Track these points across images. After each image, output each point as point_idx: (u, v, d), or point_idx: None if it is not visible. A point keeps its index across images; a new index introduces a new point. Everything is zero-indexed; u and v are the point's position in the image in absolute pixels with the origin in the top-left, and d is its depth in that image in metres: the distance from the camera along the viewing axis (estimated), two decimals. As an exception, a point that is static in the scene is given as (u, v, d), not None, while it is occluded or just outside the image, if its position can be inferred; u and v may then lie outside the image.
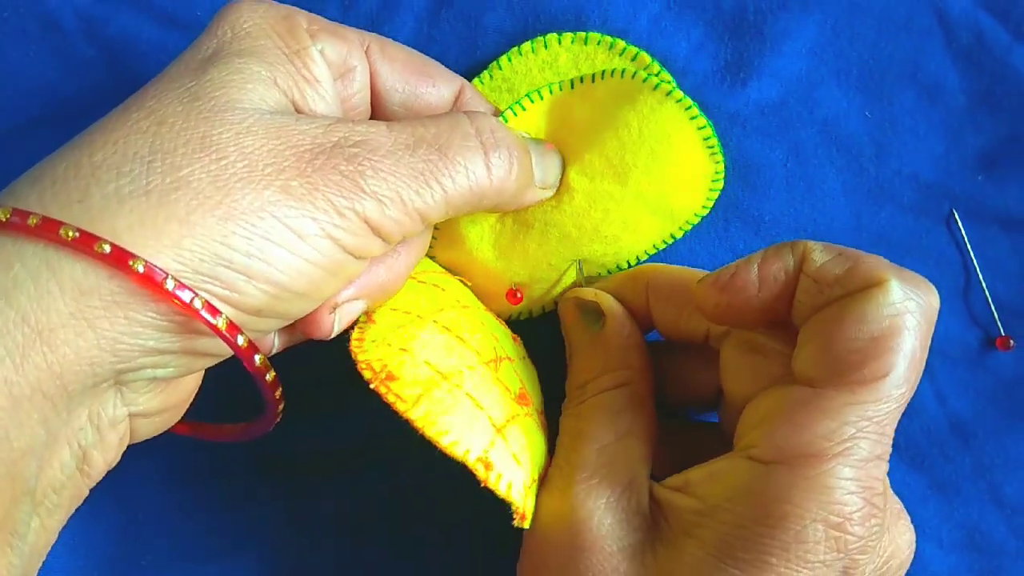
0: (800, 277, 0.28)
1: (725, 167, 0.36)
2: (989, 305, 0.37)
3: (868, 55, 0.37)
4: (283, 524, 0.38)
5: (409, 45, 0.36)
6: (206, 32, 0.28)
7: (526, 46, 0.36)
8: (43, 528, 0.25)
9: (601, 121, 0.33)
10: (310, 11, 0.37)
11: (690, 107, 0.33)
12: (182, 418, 0.30)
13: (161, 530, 0.38)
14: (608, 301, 0.33)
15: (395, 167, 0.27)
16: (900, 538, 0.27)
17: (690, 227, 0.36)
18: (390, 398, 0.28)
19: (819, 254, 0.27)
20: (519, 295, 0.35)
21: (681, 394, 0.34)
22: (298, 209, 0.25)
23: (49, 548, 0.26)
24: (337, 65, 0.29)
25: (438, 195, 0.27)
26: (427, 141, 0.28)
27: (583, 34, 0.36)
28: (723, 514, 0.26)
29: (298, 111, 0.28)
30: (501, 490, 0.28)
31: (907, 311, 0.25)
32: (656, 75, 0.34)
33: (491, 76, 0.36)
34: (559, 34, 0.36)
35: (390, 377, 0.28)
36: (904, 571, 0.28)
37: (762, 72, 0.37)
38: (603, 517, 0.28)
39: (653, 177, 0.33)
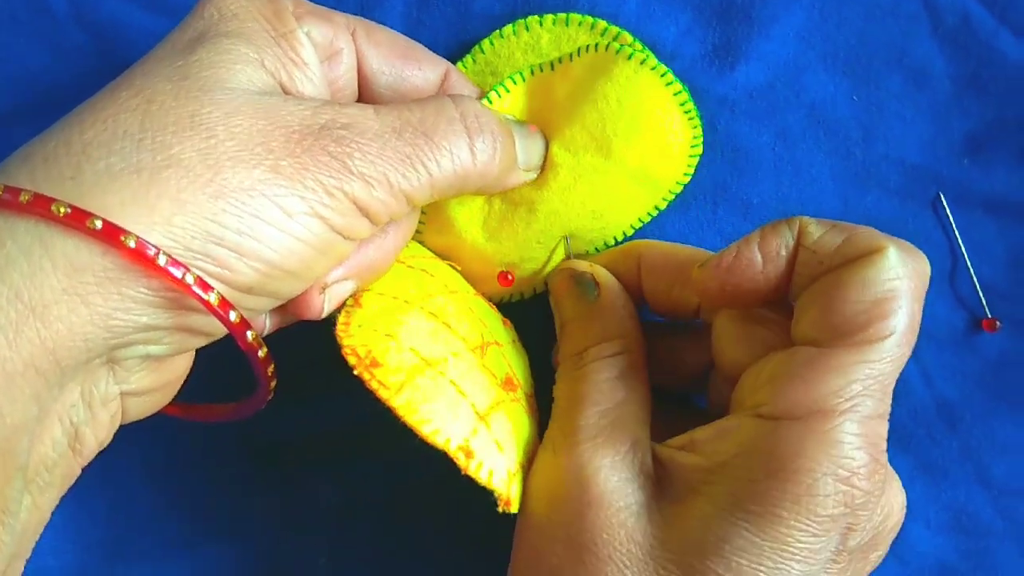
0: (799, 251, 0.29)
1: (714, 150, 0.37)
2: (975, 287, 0.37)
3: (855, 39, 0.37)
4: (275, 509, 0.38)
5: (398, 30, 0.36)
6: (192, 14, 0.28)
7: (507, 29, 0.36)
8: (35, 506, 0.25)
9: (580, 96, 0.34)
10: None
11: (665, 73, 0.34)
12: (173, 399, 0.30)
13: (152, 515, 0.38)
14: (602, 272, 0.34)
15: (382, 150, 0.27)
16: (894, 499, 0.28)
17: (673, 197, 0.36)
18: (373, 384, 0.28)
19: (815, 227, 0.29)
20: (510, 277, 0.36)
21: (668, 372, 0.34)
22: (287, 188, 0.25)
23: (42, 527, 0.26)
24: (324, 47, 0.30)
25: (424, 177, 0.28)
26: (413, 125, 0.28)
27: (564, 15, 0.36)
28: (733, 470, 0.26)
29: (286, 92, 0.28)
30: (482, 478, 0.28)
31: (906, 276, 0.27)
32: (629, 45, 0.34)
33: (474, 60, 0.36)
34: (540, 16, 0.36)
35: (374, 363, 0.28)
36: (895, 533, 0.28)
37: (750, 56, 0.37)
38: (609, 475, 0.28)
39: (634, 146, 0.33)
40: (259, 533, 0.38)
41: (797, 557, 0.25)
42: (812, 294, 0.28)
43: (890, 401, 0.27)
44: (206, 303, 0.24)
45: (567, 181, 0.34)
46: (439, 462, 0.37)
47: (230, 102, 0.26)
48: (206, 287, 0.24)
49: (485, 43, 0.36)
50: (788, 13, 0.37)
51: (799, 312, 0.28)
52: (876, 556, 0.28)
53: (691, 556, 0.26)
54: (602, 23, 0.36)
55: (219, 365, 0.31)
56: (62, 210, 0.23)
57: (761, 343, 0.30)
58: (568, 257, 0.36)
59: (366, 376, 0.28)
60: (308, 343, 0.34)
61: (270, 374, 0.28)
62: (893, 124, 0.37)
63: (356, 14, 0.36)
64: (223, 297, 0.25)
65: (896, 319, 0.26)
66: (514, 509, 0.29)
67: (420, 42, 0.35)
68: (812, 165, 0.37)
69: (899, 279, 0.27)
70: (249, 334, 0.26)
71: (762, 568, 0.25)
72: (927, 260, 0.28)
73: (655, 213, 0.36)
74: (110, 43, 0.38)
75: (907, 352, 0.27)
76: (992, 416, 0.37)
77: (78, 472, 0.27)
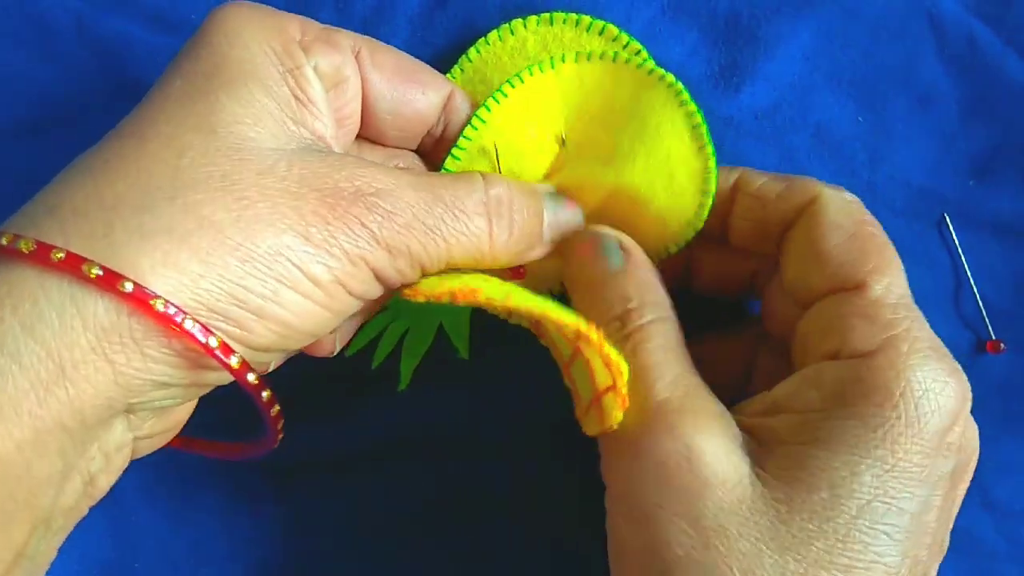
0: (739, 197, 0.32)
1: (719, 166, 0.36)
2: (980, 309, 0.37)
3: (861, 61, 0.37)
4: (277, 529, 0.38)
5: (403, 48, 0.36)
6: (200, 39, 0.28)
7: (493, 35, 0.36)
8: (49, 548, 0.26)
9: (594, 103, 0.34)
10: (305, 14, 0.37)
11: (680, 92, 0.33)
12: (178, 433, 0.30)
13: (155, 534, 0.38)
14: (628, 238, 0.33)
15: (410, 223, 0.27)
16: (972, 428, 0.29)
17: (684, 241, 0.34)
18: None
19: (756, 176, 0.32)
20: (521, 269, 0.35)
21: (711, 284, 0.36)
22: (314, 255, 0.25)
23: (49, 564, 0.26)
24: (330, 77, 0.29)
25: (442, 251, 0.28)
26: (444, 201, 0.28)
27: (547, 15, 0.36)
28: (836, 413, 0.27)
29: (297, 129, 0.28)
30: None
31: (852, 200, 0.31)
32: (638, 52, 0.35)
33: (462, 70, 0.36)
34: (524, 18, 0.36)
35: (473, 292, 0.28)
36: (973, 467, 0.30)
37: (756, 77, 0.37)
38: (714, 450, 0.27)
39: (640, 161, 0.33)
40: (261, 552, 0.38)
41: (918, 479, 0.26)
42: (797, 255, 0.31)
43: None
44: (228, 366, 0.25)
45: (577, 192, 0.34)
46: (441, 482, 0.38)
47: (261, 162, 0.26)
48: (228, 351, 0.25)
49: (472, 51, 0.36)
50: (794, 34, 0.37)
51: (795, 273, 0.31)
52: (962, 489, 0.29)
53: (825, 510, 0.26)
54: (587, 18, 0.36)
55: (221, 394, 0.31)
56: (94, 271, 0.23)
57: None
58: None
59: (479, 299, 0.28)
60: (312, 366, 0.34)
61: (279, 428, 0.29)
62: (899, 146, 0.37)
63: (359, 32, 0.36)
64: (243, 360, 0.25)
65: (877, 238, 0.30)
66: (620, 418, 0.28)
67: (424, 59, 0.35)
68: (817, 186, 0.37)
69: (849, 204, 0.30)
70: (264, 394, 0.27)
71: (892, 499, 0.26)
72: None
73: (665, 256, 0.35)
74: (113, 60, 0.38)
75: (899, 263, 0.30)
76: (995, 438, 0.37)
77: (86, 512, 0.27)
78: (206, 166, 0.25)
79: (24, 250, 0.23)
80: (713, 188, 0.33)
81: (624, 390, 0.28)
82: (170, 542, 0.38)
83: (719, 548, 0.26)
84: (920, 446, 0.27)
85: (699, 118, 0.33)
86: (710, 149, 0.33)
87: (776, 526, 0.26)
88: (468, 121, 0.34)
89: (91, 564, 0.37)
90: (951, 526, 0.29)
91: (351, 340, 0.33)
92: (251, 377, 0.25)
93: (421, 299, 0.29)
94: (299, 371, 0.36)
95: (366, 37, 0.32)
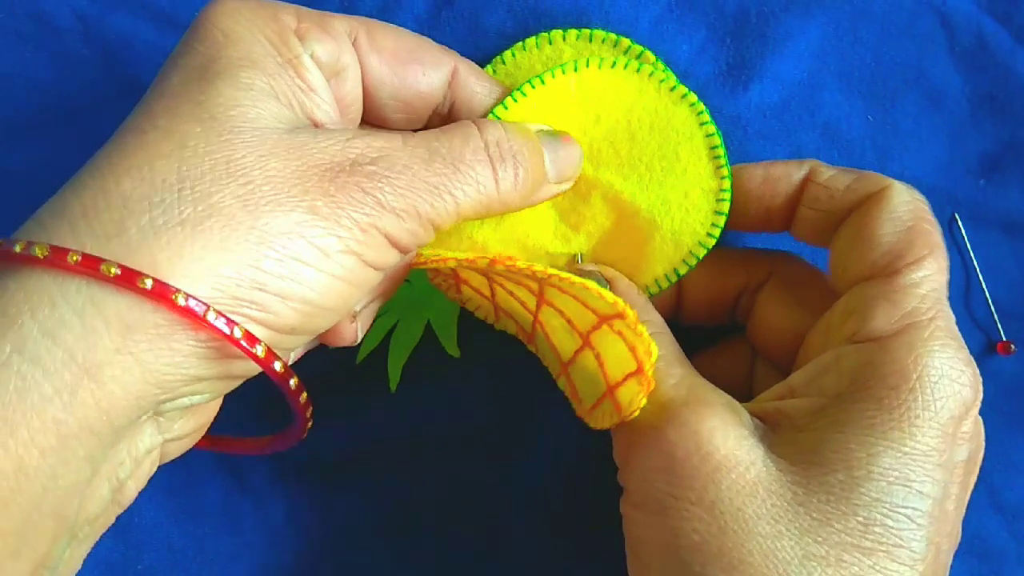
0: (809, 186, 0.32)
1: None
2: (990, 309, 0.37)
3: (870, 58, 0.37)
4: (282, 529, 0.38)
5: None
6: (194, 34, 0.28)
7: (530, 41, 0.36)
8: (73, 558, 0.25)
9: (612, 113, 0.33)
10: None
11: (701, 112, 0.33)
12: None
13: (157, 536, 0.38)
14: (611, 270, 0.34)
15: (411, 182, 0.27)
16: (980, 423, 0.29)
17: (695, 261, 0.34)
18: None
19: (826, 168, 0.32)
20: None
21: (698, 310, 0.36)
22: (324, 228, 0.25)
23: (74, 575, 0.26)
24: (329, 66, 0.29)
25: (450, 206, 0.28)
26: (441, 154, 0.28)
27: (588, 31, 0.36)
28: (853, 396, 0.27)
29: (303, 120, 0.28)
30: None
31: (917, 199, 0.30)
32: (663, 70, 0.34)
33: (494, 71, 0.36)
34: (564, 31, 0.36)
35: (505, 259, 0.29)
36: (981, 458, 0.29)
37: (764, 75, 0.37)
38: (725, 435, 0.27)
39: (656, 178, 0.33)
40: (265, 553, 0.38)
41: (936, 463, 0.26)
42: (848, 240, 0.31)
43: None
44: (254, 356, 0.24)
45: (592, 205, 0.34)
46: (445, 484, 0.38)
47: (262, 144, 0.26)
48: (253, 340, 0.24)
49: (507, 55, 0.36)
50: (803, 32, 0.37)
51: (841, 258, 0.31)
52: (973, 480, 0.29)
53: (844, 492, 0.26)
54: (625, 41, 0.35)
55: (244, 392, 0.31)
56: (112, 271, 0.23)
57: (813, 304, 0.32)
58: (578, 264, 0.35)
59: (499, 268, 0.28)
60: (317, 365, 0.34)
61: (308, 415, 0.29)
62: (908, 144, 0.37)
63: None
64: (269, 349, 0.25)
65: (931, 236, 0.29)
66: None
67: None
68: (826, 185, 0.37)
69: (915, 202, 0.30)
70: (292, 381, 0.26)
71: (912, 482, 0.26)
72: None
73: (674, 278, 0.34)
74: (116, 57, 0.38)
75: (947, 264, 0.30)
76: (1005, 439, 0.37)
77: (113, 521, 0.27)
78: (209, 154, 0.25)
79: (39, 255, 0.23)
80: (727, 209, 0.33)
81: (650, 372, 0.27)
82: (174, 542, 0.38)
83: (737, 531, 0.26)
84: (937, 430, 0.26)
85: (718, 139, 0.33)
86: (727, 171, 0.33)
87: (795, 508, 0.26)
88: (485, 116, 0.33)
89: (95, 564, 0.37)
90: (962, 519, 0.29)
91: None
92: (277, 366, 0.25)
93: (440, 265, 0.29)
94: (304, 371, 0.36)
95: (362, 18, 0.31)
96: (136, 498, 0.37)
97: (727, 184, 0.33)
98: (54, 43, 0.38)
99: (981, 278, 0.37)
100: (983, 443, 0.29)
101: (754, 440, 0.27)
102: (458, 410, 0.38)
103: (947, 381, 0.27)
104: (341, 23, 0.30)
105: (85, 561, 0.37)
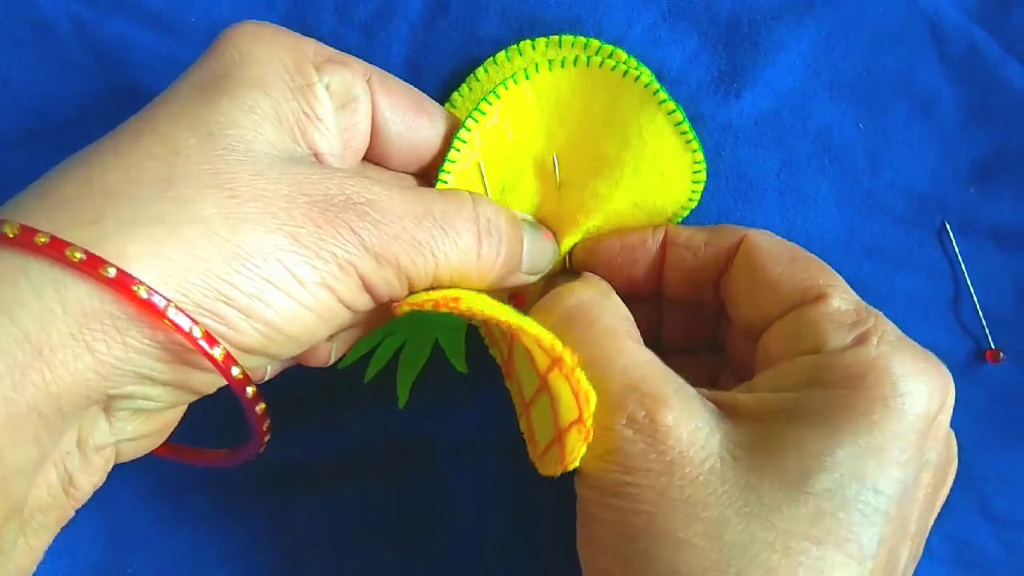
0: (669, 249, 0.34)
1: (719, 177, 0.36)
2: (979, 317, 0.37)
3: (862, 67, 0.37)
4: (272, 534, 0.38)
5: (404, 53, 0.36)
6: (213, 52, 0.28)
7: (501, 55, 0.36)
8: (28, 547, 0.25)
9: (575, 114, 0.34)
10: (305, 20, 0.37)
11: (658, 91, 0.34)
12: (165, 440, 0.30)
13: (147, 539, 0.38)
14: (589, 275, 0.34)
15: (399, 232, 0.27)
16: (951, 439, 0.29)
17: (679, 221, 0.35)
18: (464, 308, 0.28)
19: (680, 229, 0.34)
20: (520, 298, 0.35)
21: (679, 336, 0.36)
22: (302, 257, 0.25)
23: (35, 568, 0.26)
24: (341, 96, 0.30)
25: (430, 265, 0.28)
26: (434, 215, 0.28)
27: (556, 37, 0.36)
28: (812, 395, 0.27)
29: (300, 146, 0.28)
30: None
31: (774, 235, 0.32)
32: (623, 62, 0.34)
33: (470, 88, 0.36)
34: (533, 40, 0.36)
35: (456, 300, 0.28)
36: (953, 476, 0.30)
37: (756, 83, 0.37)
38: (681, 427, 0.27)
39: (630, 169, 0.34)
40: (254, 558, 0.38)
41: (897, 462, 0.26)
42: (745, 289, 0.32)
43: None
44: (211, 357, 0.24)
45: (563, 196, 0.34)
46: (431, 490, 0.38)
47: (255, 164, 0.26)
48: (212, 342, 0.24)
49: (480, 71, 0.36)
50: (795, 40, 0.37)
51: (745, 307, 0.32)
52: (943, 494, 0.29)
53: (795, 480, 0.26)
54: (595, 42, 0.36)
55: (210, 406, 0.31)
56: (77, 255, 0.23)
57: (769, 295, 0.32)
58: (566, 268, 0.36)
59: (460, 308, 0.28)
60: (306, 372, 0.34)
61: (265, 428, 0.28)
62: (899, 152, 0.37)
63: (361, 40, 0.36)
64: (227, 352, 0.25)
65: (818, 259, 0.31)
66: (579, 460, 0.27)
67: (426, 66, 0.35)
68: (817, 192, 0.37)
69: (774, 238, 0.32)
70: (249, 389, 0.26)
71: (867, 477, 0.26)
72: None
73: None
74: (114, 63, 0.38)
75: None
76: (995, 447, 0.37)
77: (72, 514, 0.27)
78: (200, 164, 0.25)
79: (8, 234, 0.23)
80: (703, 178, 0.35)
81: (589, 423, 0.27)
82: (164, 546, 0.38)
83: (684, 515, 0.26)
84: (899, 428, 0.26)
85: (680, 115, 0.34)
86: (696, 143, 0.34)
87: (745, 495, 0.26)
88: (450, 144, 0.34)
89: (85, 568, 0.37)
90: (927, 534, 0.29)
91: (347, 353, 0.33)
92: (235, 371, 0.25)
93: (406, 308, 0.28)
94: (295, 378, 0.36)
95: (375, 67, 0.32)
96: (127, 504, 0.37)
97: (700, 156, 0.34)
98: (51, 48, 0.38)
99: (971, 286, 0.37)
100: (954, 460, 0.29)
101: (709, 428, 0.27)
102: (456, 419, 0.38)
103: (908, 379, 0.27)
104: (358, 63, 0.31)
105: (76, 565, 0.37)
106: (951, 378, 0.28)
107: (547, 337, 0.27)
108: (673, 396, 0.27)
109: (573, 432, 0.27)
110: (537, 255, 0.33)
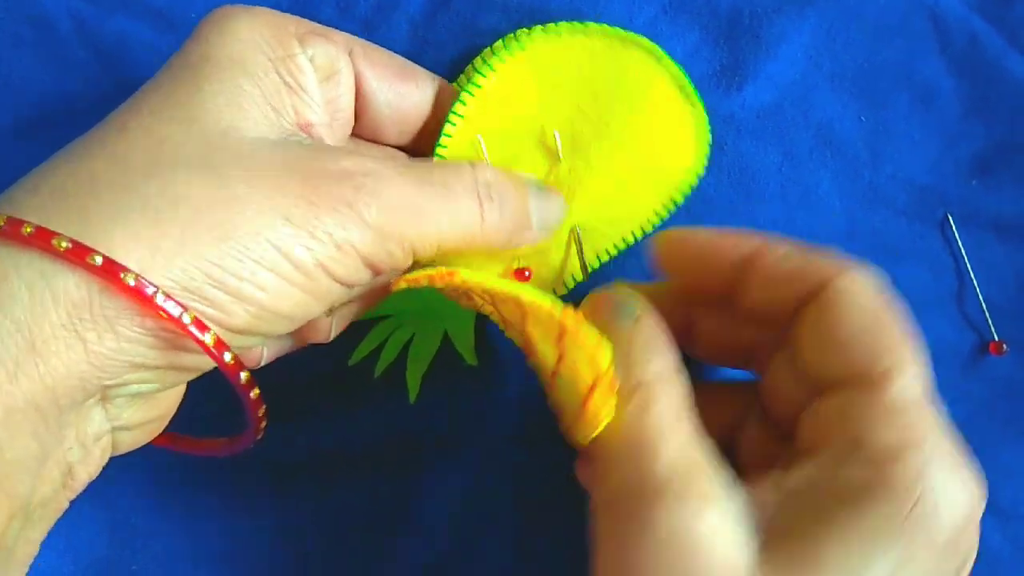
0: (754, 267, 0.30)
1: (721, 170, 0.36)
2: (983, 309, 0.37)
3: (863, 59, 0.37)
4: (276, 530, 0.38)
5: (404, 48, 0.36)
6: (194, 37, 0.28)
7: (498, 44, 0.36)
8: (27, 541, 0.25)
9: (572, 76, 0.34)
10: (306, 14, 0.37)
11: (657, 51, 0.34)
12: (163, 430, 0.30)
13: (151, 534, 0.38)
14: (642, 297, 0.31)
15: (399, 200, 0.27)
16: (976, 532, 0.28)
17: (689, 189, 0.35)
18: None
19: (774, 245, 0.30)
20: (527, 274, 0.35)
21: (712, 352, 0.34)
22: (295, 238, 0.25)
23: (31, 560, 0.26)
24: (325, 68, 0.29)
25: (432, 233, 0.28)
26: (432, 182, 0.28)
27: (552, 25, 0.36)
28: (855, 504, 0.26)
29: (287, 119, 0.28)
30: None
31: (878, 285, 0.29)
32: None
33: (468, 78, 0.36)
34: (529, 29, 0.36)
35: (451, 274, 0.28)
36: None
37: (757, 76, 0.37)
38: (715, 538, 0.25)
39: (632, 129, 0.34)
40: (259, 552, 0.38)
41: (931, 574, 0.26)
42: (813, 338, 0.29)
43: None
44: (202, 344, 0.24)
45: (567, 167, 0.34)
46: (431, 483, 0.37)
47: (241, 145, 0.26)
48: (203, 327, 0.24)
49: (477, 60, 0.36)
50: (796, 33, 0.37)
51: (809, 355, 0.29)
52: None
53: None
54: (593, 26, 0.35)
55: (211, 393, 0.31)
56: (63, 245, 0.23)
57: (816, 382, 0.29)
58: (579, 251, 0.35)
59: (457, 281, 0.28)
60: (309, 364, 0.34)
61: (261, 414, 0.28)
62: (901, 144, 0.37)
63: (361, 33, 0.36)
64: (218, 337, 0.25)
65: (900, 326, 0.28)
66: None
67: (426, 60, 0.35)
68: (819, 185, 0.37)
69: (873, 290, 0.28)
70: (242, 375, 0.26)
71: None
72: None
73: (672, 207, 0.35)
74: (114, 60, 0.38)
75: (924, 356, 0.28)
76: (998, 441, 0.37)
77: (67, 505, 0.27)
78: (186, 149, 0.25)
79: None
80: (708, 136, 0.35)
81: (610, 376, 0.26)
82: (168, 542, 0.38)
83: None
84: (935, 546, 0.26)
85: (682, 74, 0.34)
86: (701, 103, 0.34)
87: None
88: (447, 118, 0.34)
89: (89, 564, 0.37)
90: None
91: (356, 349, 0.33)
92: (227, 357, 0.25)
93: (403, 285, 0.28)
94: (305, 372, 0.36)
95: (357, 38, 0.32)
96: (130, 499, 0.37)
97: (703, 114, 0.34)
98: (52, 45, 0.38)
99: (974, 278, 0.37)
100: (976, 545, 0.28)
101: (748, 537, 0.26)
102: (465, 413, 0.38)
103: (948, 498, 0.26)
104: (339, 35, 0.31)
105: (79, 561, 0.37)
106: (983, 486, 0.28)
107: (545, 302, 0.27)
108: (718, 499, 0.26)
109: (596, 396, 0.27)
110: (545, 211, 0.32)
